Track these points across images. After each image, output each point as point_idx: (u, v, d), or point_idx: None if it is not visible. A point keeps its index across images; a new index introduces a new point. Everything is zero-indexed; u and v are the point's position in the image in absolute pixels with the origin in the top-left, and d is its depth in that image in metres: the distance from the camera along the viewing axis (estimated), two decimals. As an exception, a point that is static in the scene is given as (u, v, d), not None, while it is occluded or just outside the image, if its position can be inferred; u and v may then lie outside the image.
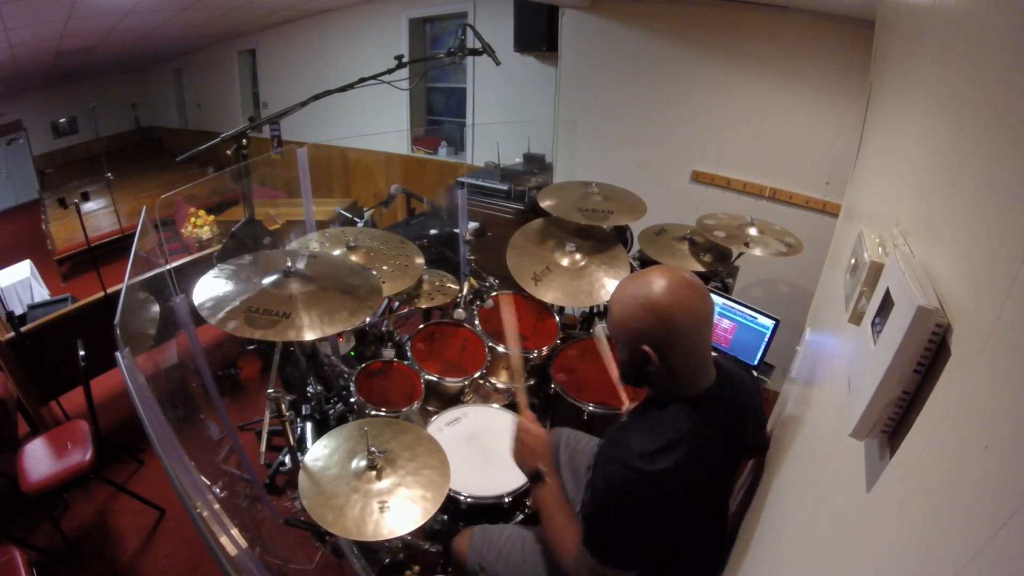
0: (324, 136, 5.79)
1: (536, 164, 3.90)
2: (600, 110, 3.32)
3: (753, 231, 2.09)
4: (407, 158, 5.36)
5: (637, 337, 1.05)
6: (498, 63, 2.30)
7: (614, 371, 1.70)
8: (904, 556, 0.50)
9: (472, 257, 2.41)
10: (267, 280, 1.54)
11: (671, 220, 2.32)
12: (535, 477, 1.29)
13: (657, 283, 1.03)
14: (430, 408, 1.89)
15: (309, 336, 1.40)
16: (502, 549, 1.40)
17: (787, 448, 1.26)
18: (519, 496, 1.56)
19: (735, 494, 1.44)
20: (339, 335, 2.25)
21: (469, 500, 1.51)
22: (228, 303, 1.43)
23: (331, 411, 1.95)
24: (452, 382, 1.92)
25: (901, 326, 0.58)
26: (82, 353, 2.13)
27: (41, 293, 4.26)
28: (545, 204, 2.16)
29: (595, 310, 2.36)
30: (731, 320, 2.09)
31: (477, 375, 1.97)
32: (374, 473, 1.32)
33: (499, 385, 2.04)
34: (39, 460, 2.17)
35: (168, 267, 2.23)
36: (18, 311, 3.35)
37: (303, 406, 1.98)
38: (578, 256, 2.09)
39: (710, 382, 1.11)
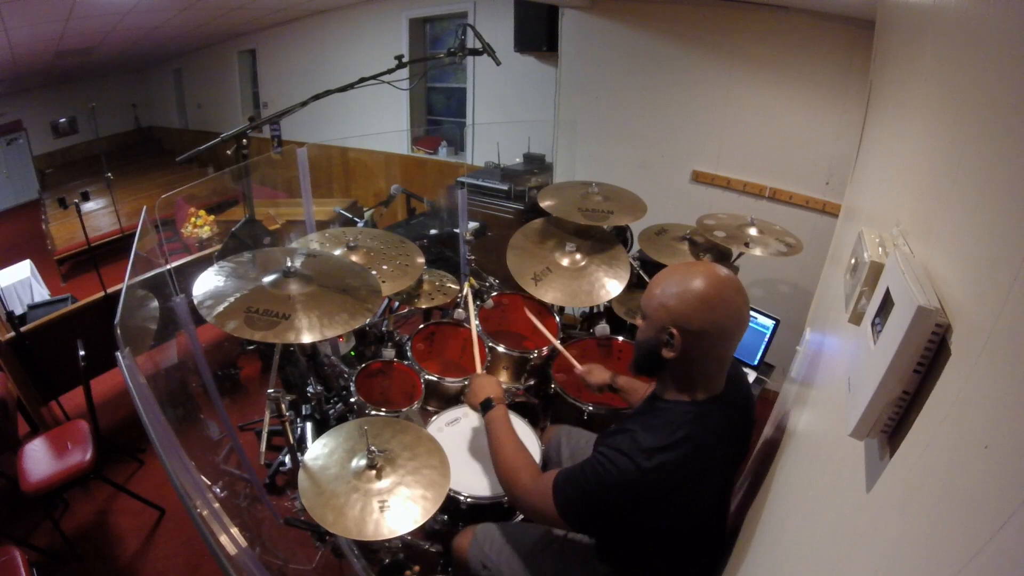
0: (324, 136, 5.80)
1: (536, 164, 3.90)
2: (600, 110, 3.32)
3: (753, 231, 2.09)
4: (407, 158, 5.36)
5: (671, 317, 1.04)
6: (498, 63, 2.29)
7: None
8: (904, 556, 0.50)
9: (472, 257, 2.41)
10: (267, 280, 1.54)
11: (671, 220, 2.32)
12: (486, 406, 1.39)
13: (712, 276, 1.04)
14: (430, 408, 1.89)
15: (308, 339, 1.40)
16: (505, 547, 1.40)
17: (787, 448, 1.26)
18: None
19: (735, 494, 1.44)
20: (339, 336, 2.25)
21: (469, 500, 1.51)
22: (227, 299, 1.43)
23: (331, 411, 1.95)
24: (452, 382, 1.92)
25: (901, 326, 0.58)
26: (82, 353, 2.13)
27: (41, 293, 4.26)
28: (545, 204, 2.16)
29: (595, 310, 2.36)
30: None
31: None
32: (374, 473, 1.32)
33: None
34: (39, 460, 2.17)
35: (168, 267, 2.23)
36: (18, 311, 3.35)
37: (303, 406, 1.98)
38: (578, 256, 2.08)
39: (719, 390, 1.11)
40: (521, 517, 1.56)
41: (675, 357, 1.05)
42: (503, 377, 2.07)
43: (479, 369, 1.69)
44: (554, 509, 1.08)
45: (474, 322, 1.88)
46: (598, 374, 1.70)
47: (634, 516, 1.04)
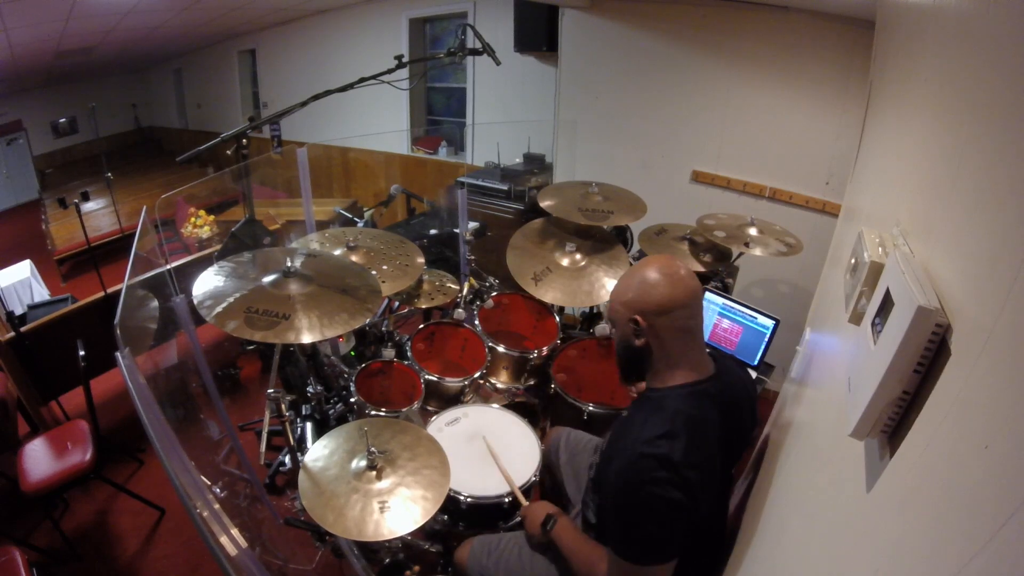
0: (324, 136, 5.80)
1: (536, 164, 3.90)
2: (600, 110, 3.32)
3: (753, 231, 2.09)
4: (407, 158, 5.36)
5: (630, 309, 1.12)
6: (498, 63, 2.29)
7: None
8: (904, 556, 0.50)
9: (472, 257, 2.41)
10: (267, 280, 1.54)
11: (671, 220, 2.32)
12: (546, 524, 1.32)
13: (651, 260, 1.15)
14: (430, 408, 1.89)
15: (308, 339, 1.40)
16: (502, 554, 1.40)
17: (787, 448, 1.26)
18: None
19: (735, 494, 1.44)
20: (339, 336, 2.25)
21: (469, 500, 1.51)
22: (227, 299, 1.42)
23: (331, 411, 1.95)
24: (452, 382, 1.92)
25: (901, 326, 0.58)
26: (82, 353, 2.13)
27: (41, 293, 4.26)
28: (545, 204, 2.16)
29: (595, 310, 2.36)
30: (733, 321, 2.09)
31: (477, 375, 1.97)
32: (374, 473, 1.32)
33: (499, 385, 2.04)
34: (39, 460, 2.17)
35: (168, 267, 2.23)
36: (18, 311, 3.35)
37: (303, 406, 1.98)
38: (578, 256, 2.09)
39: (707, 373, 1.12)
40: (519, 519, 1.56)
41: (647, 342, 1.11)
42: (503, 377, 2.08)
43: (523, 500, 1.53)
44: (631, 564, 1.05)
45: (503, 468, 1.60)
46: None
47: (679, 507, 1.02)
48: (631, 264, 2.08)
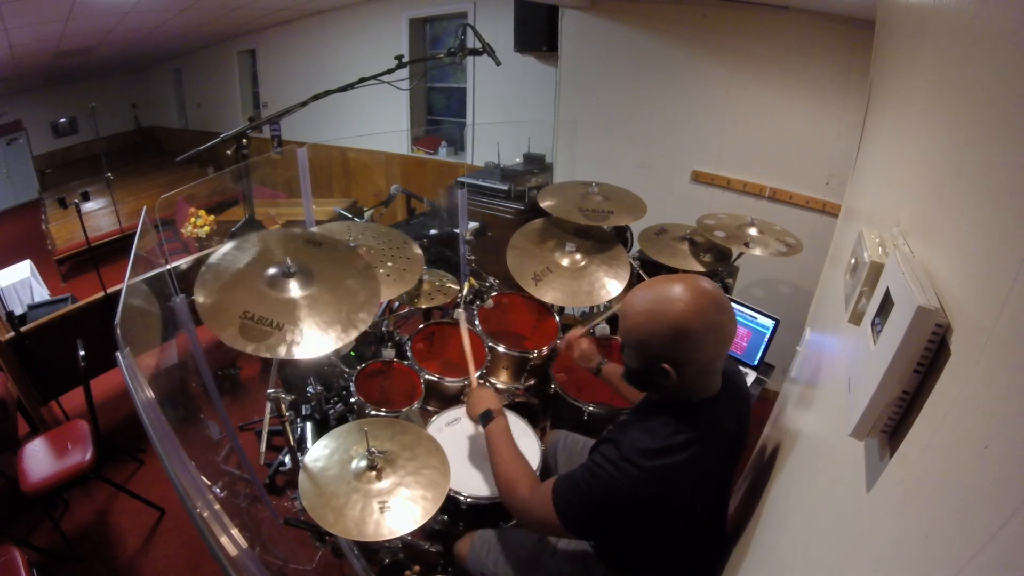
0: (324, 136, 5.80)
1: (536, 164, 3.90)
2: (600, 110, 3.32)
3: (753, 231, 2.09)
4: (407, 158, 5.37)
5: (657, 354, 1.02)
6: (498, 63, 2.29)
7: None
8: (904, 556, 0.50)
9: (472, 257, 2.41)
10: (267, 276, 1.53)
11: (671, 220, 2.32)
12: (486, 417, 1.38)
13: (683, 300, 0.99)
14: (430, 408, 1.88)
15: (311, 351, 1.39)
16: (502, 552, 1.40)
17: (787, 448, 1.26)
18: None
19: (735, 494, 1.44)
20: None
21: (469, 500, 1.51)
22: (226, 275, 1.43)
23: (331, 411, 1.95)
24: (452, 382, 1.92)
25: (901, 326, 0.58)
26: (82, 353, 2.13)
27: (41, 293, 4.26)
28: (545, 204, 2.15)
29: (595, 310, 2.36)
30: (739, 324, 2.09)
31: (477, 375, 1.97)
32: (374, 473, 1.32)
33: (499, 385, 2.04)
34: (39, 460, 2.17)
35: (168, 267, 2.23)
36: (18, 311, 3.35)
37: (303, 406, 1.98)
38: (578, 256, 2.08)
39: (717, 388, 1.11)
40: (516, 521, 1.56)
41: (672, 382, 1.04)
42: (503, 377, 2.07)
43: (475, 383, 1.67)
44: (555, 516, 1.07)
45: (465, 337, 1.82)
46: (585, 349, 1.70)
47: (635, 519, 1.04)
48: (631, 265, 2.08)
